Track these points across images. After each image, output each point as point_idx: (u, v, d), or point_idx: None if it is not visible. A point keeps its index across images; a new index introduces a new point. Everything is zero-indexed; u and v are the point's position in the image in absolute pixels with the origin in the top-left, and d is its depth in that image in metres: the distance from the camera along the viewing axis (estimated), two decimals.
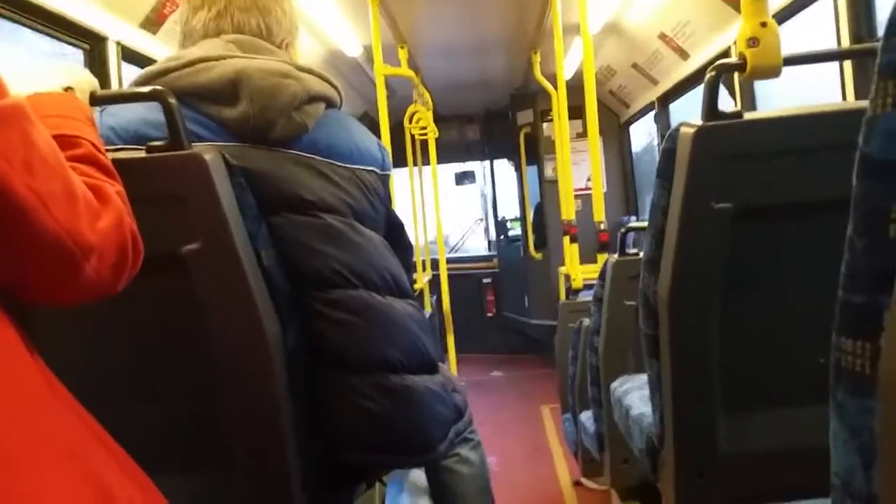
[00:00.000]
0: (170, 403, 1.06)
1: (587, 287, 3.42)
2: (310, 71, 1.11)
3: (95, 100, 0.96)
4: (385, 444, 1.11)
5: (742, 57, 1.08)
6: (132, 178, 0.83)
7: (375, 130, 3.74)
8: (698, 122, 1.07)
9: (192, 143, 1.00)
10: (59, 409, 0.62)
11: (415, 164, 5.68)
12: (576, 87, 3.88)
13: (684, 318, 1.10)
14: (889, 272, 0.45)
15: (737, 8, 3.10)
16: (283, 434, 1.02)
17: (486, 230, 7.88)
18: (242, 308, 0.99)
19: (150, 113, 1.04)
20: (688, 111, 4.56)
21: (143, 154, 0.98)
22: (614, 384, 1.74)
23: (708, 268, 1.07)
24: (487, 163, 7.40)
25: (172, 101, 0.98)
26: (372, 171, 1.13)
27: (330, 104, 1.12)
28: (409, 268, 1.24)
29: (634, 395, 1.55)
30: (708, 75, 1.08)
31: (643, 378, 1.37)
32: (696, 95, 4.24)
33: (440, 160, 5.66)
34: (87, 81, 0.94)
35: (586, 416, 2.38)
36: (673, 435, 1.19)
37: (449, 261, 5.87)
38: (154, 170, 0.97)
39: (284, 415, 1.02)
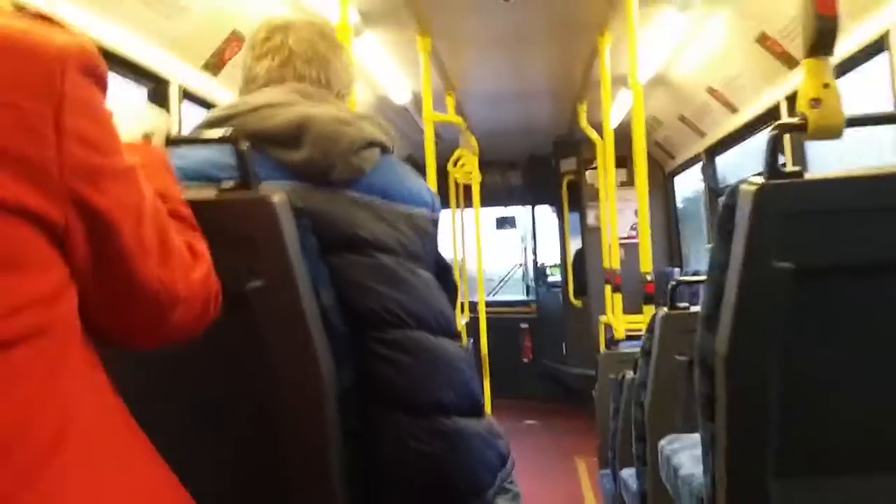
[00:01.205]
0: (224, 439, 1.07)
1: (629, 338, 3.38)
2: (366, 117, 1.15)
3: (171, 142, 1.00)
4: (434, 487, 1.10)
5: (803, 117, 1.08)
6: (203, 217, 0.87)
7: (421, 174, 3.78)
8: (758, 179, 1.07)
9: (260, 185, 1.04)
10: (141, 456, 0.64)
11: (458, 206, 5.72)
12: (620, 137, 3.90)
13: (742, 377, 1.08)
14: None
15: (786, 62, 3.10)
16: (332, 478, 1.02)
17: (525, 275, 7.86)
18: (300, 345, 1.01)
19: (215, 154, 1.08)
20: (732, 164, 4.54)
21: (213, 194, 1.01)
22: (662, 442, 1.70)
23: (768, 327, 1.06)
24: (529, 208, 7.42)
25: (244, 145, 1.02)
26: (423, 212, 1.16)
27: (384, 149, 1.16)
28: (454, 307, 1.26)
29: (684, 454, 1.51)
30: (770, 134, 1.08)
31: (694, 437, 1.34)
32: (741, 149, 4.22)
33: (482, 204, 5.70)
34: (164, 124, 0.98)
35: (628, 474, 2.32)
36: (725, 498, 1.16)
37: (487, 304, 5.86)
38: (224, 210, 1.00)
39: (334, 458, 1.02)
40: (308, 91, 1.17)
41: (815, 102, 1.06)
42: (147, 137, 0.94)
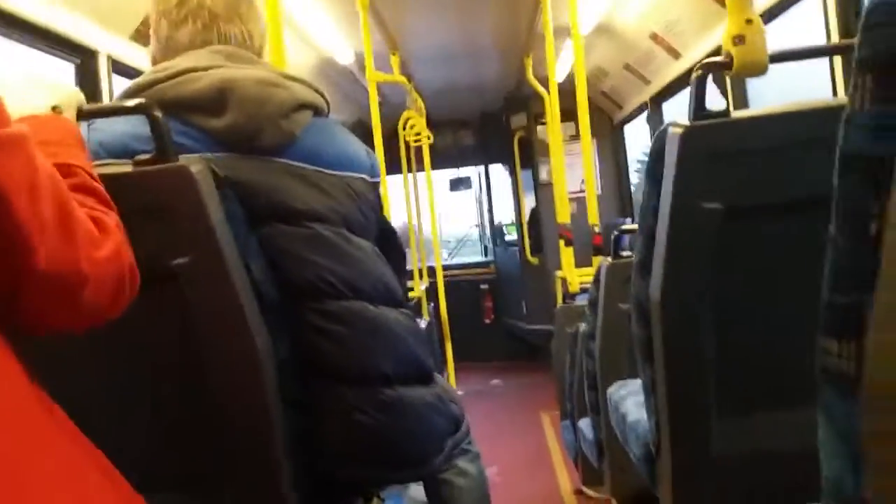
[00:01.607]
0: (160, 420, 1.05)
1: (584, 291, 3.41)
2: (296, 79, 1.11)
3: (82, 115, 0.95)
4: (380, 459, 1.10)
5: (728, 55, 1.08)
6: (119, 191, 0.83)
7: (369, 137, 3.75)
8: (686, 121, 1.07)
9: (180, 155, 0.99)
10: (58, 436, 0.61)
11: (409, 170, 5.68)
12: (568, 90, 3.89)
13: (676, 320, 1.10)
14: (872, 271, 0.44)
15: (725, 5, 3.10)
16: (275, 449, 1.01)
17: (482, 236, 7.87)
18: (232, 321, 0.98)
19: (137, 127, 1.03)
20: (682, 111, 4.55)
21: (129, 168, 0.97)
22: (611, 389, 1.73)
23: (699, 269, 1.07)
24: (482, 168, 7.40)
25: (158, 113, 0.97)
26: (361, 178, 1.12)
27: (317, 112, 1.12)
28: (403, 274, 1.24)
29: (630, 400, 1.54)
30: (695, 74, 1.07)
31: (639, 383, 1.36)
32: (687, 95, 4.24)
33: (435, 166, 5.65)
34: (73, 97, 0.93)
35: (585, 423, 2.36)
36: (669, 441, 1.18)
37: (445, 268, 5.86)
38: (141, 183, 0.96)
39: (276, 429, 1.01)
40: (233, 52, 1.12)
41: (739, 39, 1.06)
42: (56, 110, 0.89)
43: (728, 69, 1.08)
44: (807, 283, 0.96)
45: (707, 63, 1.10)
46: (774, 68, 1.12)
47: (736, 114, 1.08)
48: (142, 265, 0.78)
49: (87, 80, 2.49)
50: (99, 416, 0.72)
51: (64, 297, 0.64)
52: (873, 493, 0.46)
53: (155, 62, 1.16)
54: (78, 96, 0.94)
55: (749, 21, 1.06)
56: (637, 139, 5.94)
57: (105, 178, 0.83)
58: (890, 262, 0.43)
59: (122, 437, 0.76)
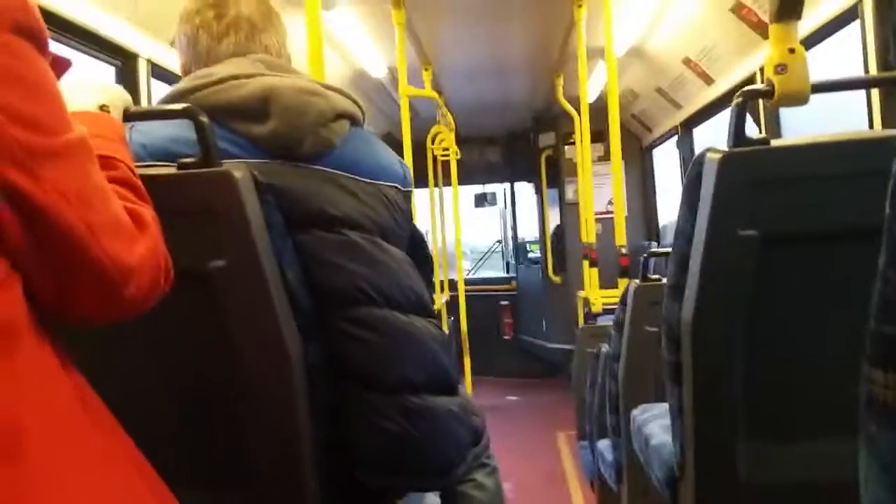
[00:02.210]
0: (191, 419, 1.06)
1: (606, 312, 3.40)
2: (334, 89, 1.13)
3: (129, 117, 0.98)
4: (402, 466, 1.10)
5: (770, 83, 1.08)
6: (163, 193, 0.85)
7: (398, 150, 3.73)
8: (724, 147, 1.07)
9: (222, 161, 1.01)
10: (89, 427, 0.62)
11: (436, 184, 5.70)
12: (598, 111, 3.89)
13: (708, 345, 1.09)
14: None
15: (762, 33, 3.10)
16: (301, 452, 1.01)
17: (504, 252, 7.87)
18: (265, 325, 1.00)
19: (179, 130, 1.05)
20: (711, 137, 4.55)
21: (173, 170, 0.99)
22: (634, 412, 1.72)
23: (733, 295, 1.06)
24: (508, 185, 7.40)
25: (204, 119, 0.99)
26: (395, 186, 1.14)
27: (354, 121, 1.14)
28: (430, 283, 1.24)
29: (655, 424, 1.52)
30: (735, 101, 1.07)
31: (664, 407, 1.35)
32: (719, 121, 4.23)
33: (461, 181, 5.67)
34: (121, 98, 0.96)
35: (604, 445, 2.34)
36: (693, 465, 1.17)
37: (467, 282, 5.86)
38: (184, 186, 0.98)
39: (303, 433, 1.02)
40: (273, 62, 1.14)
41: (781, 68, 1.06)
42: (104, 109, 0.91)
43: (769, 97, 1.07)
44: (841, 314, 0.96)
45: (748, 91, 1.10)
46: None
47: (776, 142, 1.08)
48: (178, 266, 0.78)
49: (127, 82, 2.54)
50: (129, 415, 0.72)
51: (112, 294, 0.65)
52: None
53: (187, 73, 1.17)
54: (125, 97, 0.97)
55: (792, 50, 1.07)
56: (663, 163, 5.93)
57: (149, 179, 0.84)
58: None
59: (151, 436, 0.77)
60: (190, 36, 1.17)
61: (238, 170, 0.98)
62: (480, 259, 8.10)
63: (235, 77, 1.08)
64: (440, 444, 1.11)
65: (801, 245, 1.07)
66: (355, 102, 1.15)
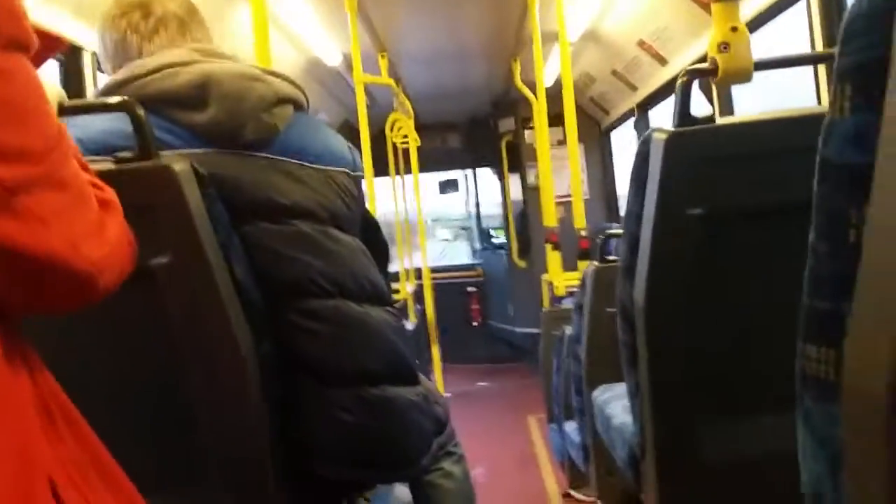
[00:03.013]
0: (143, 420, 1.03)
1: (570, 294, 3.42)
2: (275, 74, 1.10)
3: (63, 111, 0.94)
4: (365, 459, 1.09)
5: (713, 62, 1.08)
6: None
7: (356, 139, 3.73)
8: (670, 127, 1.07)
9: (162, 152, 0.99)
10: (43, 437, 0.60)
11: (397, 173, 5.67)
12: (556, 95, 3.90)
13: (661, 324, 1.10)
14: (850, 277, 0.45)
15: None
16: (259, 450, 1.00)
17: (470, 238, 7.88)
18: (215, 321, 0.98)
19: (118, 123, 1.02)
20: (669, 118, 4.57)
21: (110, 165, 0.96)
22: (596, 393, 1.73)
23: (683, 273, 1.07)
24: (470, 171, 7.40)
25: (140, 111, 0.96)
26: (344, 171, 1.12)
27: (298, 107, 1.12)
28: (385, 270, 1.23)
29: (616, 404, 1.54)
30: (680, 80, 1.08)
31: (624, 387, 1.36)
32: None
33: (423, 169, 5.65)
34: (53, 93, 0.92)
35: (571, 427, 2.37)
36: (653, 444, 1.18)
37: (433, 270, 5.86)
38: (122, 181, 0.93)
39: (260, 430, 1.00)
40: (209, 50, 1.11)
41: (724, 46, 1.07)
42: None
43: (713, 76, 1.08)
44: (789, 289, 0.97)
45: (692, 70, 1.11)
46: (763, 77, 1.13)
47: (720, 120, 1.09)
48: None
49: (72, 77, 2.47)
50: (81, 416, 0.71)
51: (84, 289, 0.62)
52: (852, 497, 0.47)
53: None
54: (58, 92, 0.93)
55: (734, 29, 1.07)
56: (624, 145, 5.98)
57: None
58: (869, 269, 0.44)
59: (105, 438, 0.75)
60: (118, 39, 1.14)
61: (178, 162, 0.95)
62: (454, 236, 8.12)
63: (171, 65, 1.05)
64: (401, 434, 1.10)
65: (748, 222, 1.09)
66: (299, 88, 1.13)
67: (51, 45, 0.64)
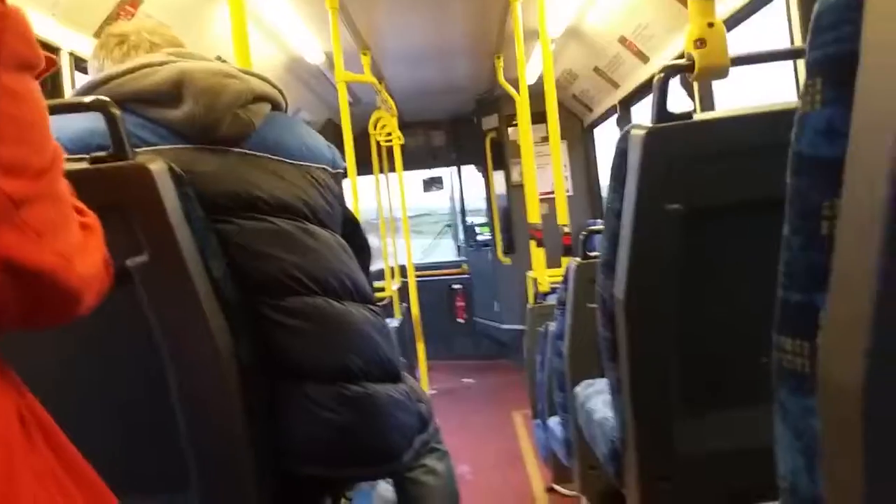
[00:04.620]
0: (120, 422, 1.03)
1: (554, 291, 3.43)
2: (252, 73, 1.11)
3: None
4: (347, 456, 1.09)
5: (690, 58, 1.09)
6: (76, 190, 0.81)
7: (339, 137, 3.72)
8: (649, 123, 1.08)
9: (139, 148, 0.98)
10: (25, 445, 0.59)
11: (381, 171, 5.65)
12: (539, 92, 3.90)
13: (640, 320, 1.10)
14: (824, 269, 0.45)
15: None
16: (239, 450, 0.99)
17: (455, 236, 7.88)
18: (192, 321, 0.97)
19: (96, 122, 1.01)
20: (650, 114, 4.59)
21: (86, 165, 0.95)
22: (578, 388, 1.74)
23: (662, 269, 1.07)
24: (455, 168, 7.40)
25: (115, 110, 0.96)
26: (323, 167, 1.12)
27: (275, 106, 1.12)
28: (367, 268, 1.23)
29: (597, 399, 1.54)
30: (657, 77, 1.08)
31: (606, 382, 1.37)
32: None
33: (407, 167, 5.63)
34: None
35: (554, 422, 2.37)
36: (634, 438, 1.19)
37: (417, 267, 5.85)
38: (98, 181, 0.94)
39: (240, 430, 0.99)
40: (183, 52, 1.12)
41: (701, 42, 1.07)
42: None
43: (690, 72, 1.09)
44: (767, 283, 0.98)
45: (669, 66, 1.11)
46: (748, 72, 1.14)
47: (698, 116, 1.09)
48: None
49: (50, 77, 2.44)
50: (60, 419, 0.70)
51: (69, 307, 0.63)
52: (828, 489, 0.47)
53: None
54: None
55: (711, 25, 1.08)
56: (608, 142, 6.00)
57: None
58: (841, 261, 0.44)
59: (83, 440, 0.74)
60: (97, 68, 1.18)
61: (154, 162, 0.94)
62: (439, 232, 8.13)
63: (148, 65, 1.06)
64: (383, 431, 1.10)
65: (726, 217, 1.09)
66: (276, 88, 1.13)
67: (48, 63, 0.66)
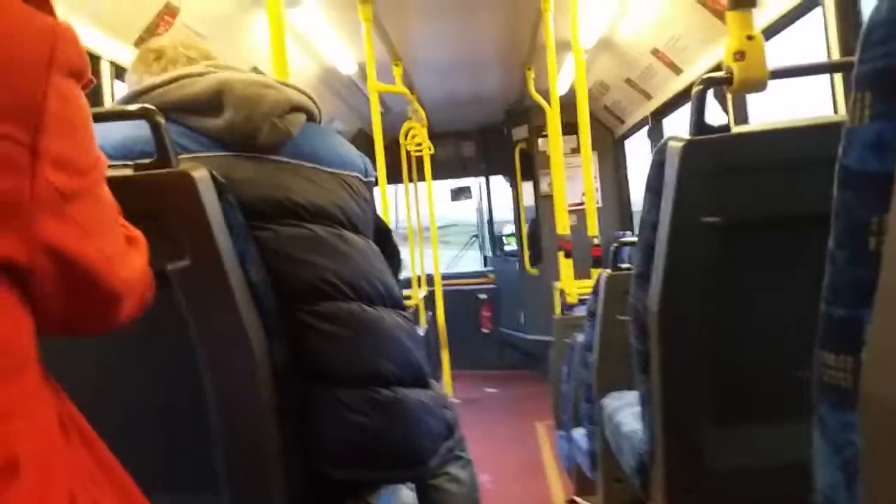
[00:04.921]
0: (158, 423, 1.04)
1: (582, 302, 3.41)
2: (288, 84, 1.14)
3: None
4: (375, 460, 1.10)
5: (728, 70, 1.08)
6: (120, 196, 0.83)
7: (371, 147, 3.75)
8: (686, 136, 1.07)
9: (180, 156, 1.00)
10: (64, 447, 0.61)
11: (411, 180, 5.69)
12: (570, 103, 3.91)
13: (674, 332, 1.10)
14: (870, 285, 0.45)
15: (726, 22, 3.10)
16: (269, 452, 1.00)
17: (482, 246, 7.88)
18: (230, 326, 0.98)
19: (138, 130, 1.04)
20: (683, 126, 4.55)
21: (130, 172, 0.98)
22: (606, 400, 1.73)
23: (697, 282, 1.07)
24: (483, 179, 7.41)
25: (160, 118, 0.98)
26: (356, 176, 1.14)
27: (310, 117, 1.14)
28: (397, 275, 1.24)
29: (626, 411, 1.53)
30: (695, 89, 1.08)
31: (635, 394, 1.36)
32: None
33: (436, 176, 5.66)
34: None
35: (579, 434, 2.36)
36: (662, 452, 1.18)
37: (444, 277, 5.86)
38: (142, 188, 0.96)
39: (271, 432, 1.01)
40: (221, 64, 1.16)
41: (740, 55, 1.07)
42: None
43: (728, 84, 1.08)
44: (804, 298, 0.97)
45: (708, 78, 1.11)
46: (776, 85, 1.13)
47: (736, 129, 1.09)
48: None
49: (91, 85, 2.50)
50: (95, 423, 0.71)
51: (111, 312, 0.66)
52: None
53: None
54: None
55: (750, 37, 1.07)
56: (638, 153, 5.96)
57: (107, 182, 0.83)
58: (888, 276, 0.44)
59: (119, 442, 0.76)
60: (136, 81, 1.21)
61: (196, 170, 0.96)
62: (466, 243, 8.16)
63: (188, 76, 1.09)
64: (412, 435, 1.10)
65: (764, 231, 1.08)
66: (311, 100, 1.16)
67: (87, 81, 0.71)
